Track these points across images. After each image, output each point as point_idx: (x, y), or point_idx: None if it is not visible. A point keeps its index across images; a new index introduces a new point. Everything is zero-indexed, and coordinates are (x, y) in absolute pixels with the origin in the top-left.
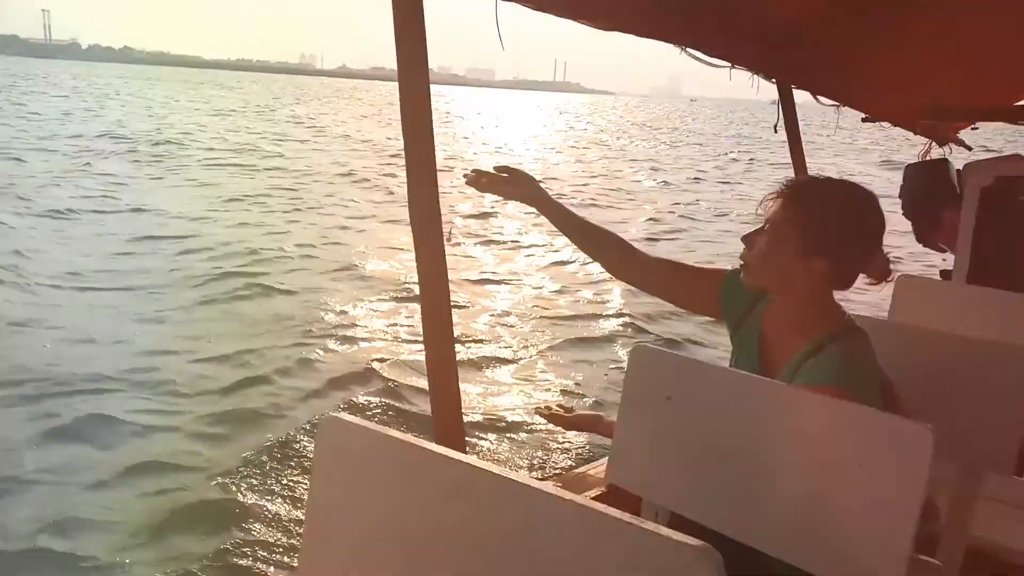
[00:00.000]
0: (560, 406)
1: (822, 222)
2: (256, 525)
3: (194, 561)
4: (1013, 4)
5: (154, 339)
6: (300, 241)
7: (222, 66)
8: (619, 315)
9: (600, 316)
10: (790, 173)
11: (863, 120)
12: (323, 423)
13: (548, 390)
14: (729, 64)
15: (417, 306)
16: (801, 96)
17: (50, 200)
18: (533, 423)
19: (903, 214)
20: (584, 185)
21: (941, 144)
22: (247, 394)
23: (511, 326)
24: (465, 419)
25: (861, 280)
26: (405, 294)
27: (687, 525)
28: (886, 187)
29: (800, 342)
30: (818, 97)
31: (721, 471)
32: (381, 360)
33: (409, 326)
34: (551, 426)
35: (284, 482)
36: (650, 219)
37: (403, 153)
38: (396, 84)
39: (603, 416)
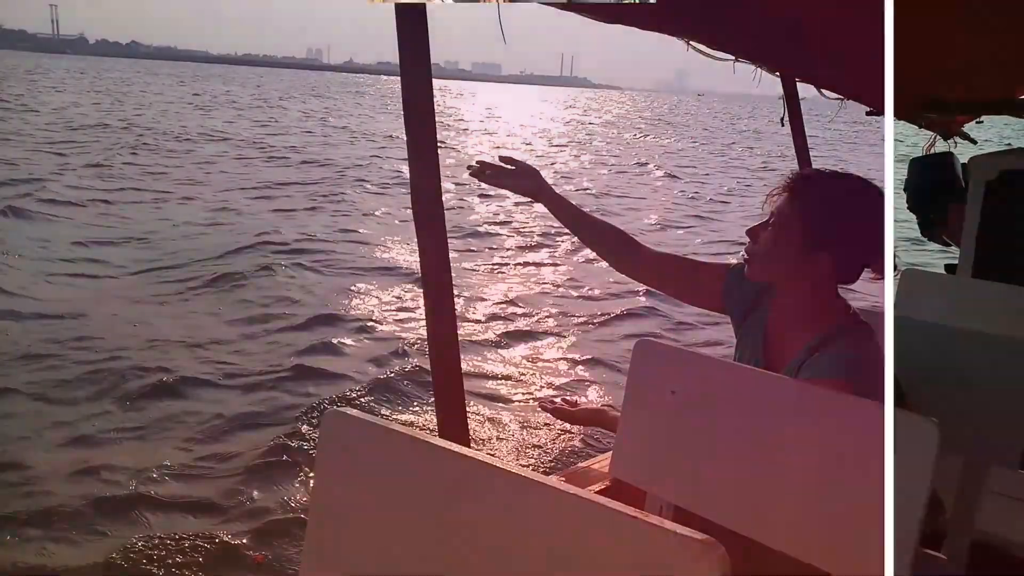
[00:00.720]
0: (564, 400)
1: (827, 216)
2: None
3: None
4: None
5: None
6: None
7: (229, 61)
8: None
9: None
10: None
11: (867, 114)
12: (327, 416)
13: None
14: (733, 58)
15: None
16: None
17: None
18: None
19: (908, 208)
20: None
21: (946, 138)
22: None
23: None
24: None
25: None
26: None
27: (691, 519)
28: None
29: (805, 336)
30: (823, 91)
31: (725, 465)
32: None
33: None
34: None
35: None
36: None
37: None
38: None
39: (607, 410)
